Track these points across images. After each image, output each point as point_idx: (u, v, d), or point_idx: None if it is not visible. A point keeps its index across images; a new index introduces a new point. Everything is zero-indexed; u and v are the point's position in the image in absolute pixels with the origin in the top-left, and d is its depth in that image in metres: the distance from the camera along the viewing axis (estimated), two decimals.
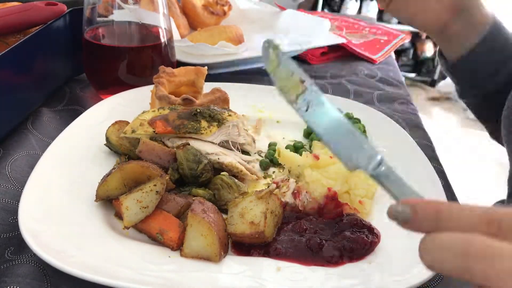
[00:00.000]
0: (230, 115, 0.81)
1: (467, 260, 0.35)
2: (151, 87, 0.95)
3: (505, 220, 0.36)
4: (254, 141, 0.87)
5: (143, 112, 0.81)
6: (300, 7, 3.91)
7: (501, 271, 0.33)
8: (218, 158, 0.76)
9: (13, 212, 0.67)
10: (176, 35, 1.22)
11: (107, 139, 0.78)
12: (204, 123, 0.78)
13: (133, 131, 0.77)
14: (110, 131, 0.79)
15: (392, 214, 0.42)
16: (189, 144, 0.75)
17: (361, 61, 1.38)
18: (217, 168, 0.76)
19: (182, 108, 0.81)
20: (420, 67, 4.68)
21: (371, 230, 0.65)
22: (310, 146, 0.86)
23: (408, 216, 0.41)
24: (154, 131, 0.75)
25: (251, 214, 0.63)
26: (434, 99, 4.27)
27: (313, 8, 4.22)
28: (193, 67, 0.93)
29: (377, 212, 0.71)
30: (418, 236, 0.66)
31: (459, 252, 0.35)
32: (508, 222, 0.36)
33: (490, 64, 0.87)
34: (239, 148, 0.84)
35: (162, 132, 0.74)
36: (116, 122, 0.80)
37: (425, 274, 0.57)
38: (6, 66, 0.81)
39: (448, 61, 0.92)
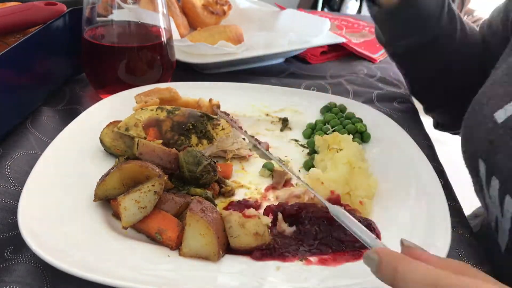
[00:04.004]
0: (223, 129, 0.81)
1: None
2: (150, 86, 0.95)
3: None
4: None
5: (141, 109, 0.81)
6: (300, 6, 3.91)
7: None
8: None
9: (13, 212, 0.67)
10: (175, 35, 1.22)
11: (101, 141, 0.78)
12: (194, 140, 0.78)
13: (126, 129, 0.78)
14: (104, 132, 0.79)
15: (366, 259, 0.49)
16: (190, 146, 0.75)
17: (361, 61, 1.38)
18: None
19: (180, 112, 0.81)
20: None
21: (368, 227, 0.65)
22: (314, 145, 0.86)
23: (376, 260, 0.47)
24: (145, 137, 0.76)
25: (252, 223, 0.62)
26: None
27: (313, 7, 4.21)
28: (162, 88, 0.92)
29: (377, 212, 0.71)
30: (417, 235, 0.66)
31: (430, 282, 0.40)
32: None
33: (413, 21, 0.91)
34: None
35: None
36: (110, 123, 0.80)
37: None
38: (5, 66, 0.81)
39: (378, 8, 0.95)
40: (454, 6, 0.95)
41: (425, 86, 1.05)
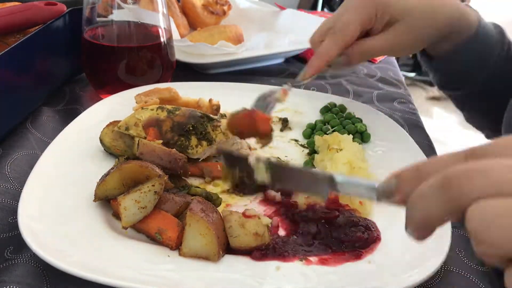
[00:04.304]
0: (223, 133, 0.81)
1: (448, 187, 0.34)
2: (150, 86, 0.95)
3: (478, 149, 0.36)
4: (249, 147, 0.86)
5: (142, 109, 0.81)
6: (300, 6, 3.91)
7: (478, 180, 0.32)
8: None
9: (13, 212, 0.67)
10: (175, 35, 1.22)
11: (100, 141, 0.78)
12: (194, 141, 0.78)
13: (126, 129, 0.78)
14: (104, 132, 0.79)
15: (381, 191, 0.42)
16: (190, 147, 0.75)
17: None
18: None
19: (180, 112, 0.81)
20: (420, 67, 4.67)
21: (367, 227, 0.65)
22: (314, 145, 0.86)
23: (394, 184, 0.40)
24: (145, 137, 0.76)
25: (251, 223, 0.62)
26: (434, 98, 4.27)
27: (313, 7, 4.22)
28: (162, 88, 0.92)
29: (377, 213, 0.71)
30: None
31: (438, 185, 0.34)
32: (482, 148, 0.36)
33: (472, 62, 0.87)
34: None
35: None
36: (110, 123, 0.80)
37: (425, 273, 0.57)
38: (5, 66, 0.81)
39: (428, 57, 0.93)
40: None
41: (484, 120, 1.01)
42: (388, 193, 0.41)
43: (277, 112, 0.98)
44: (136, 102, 0.87)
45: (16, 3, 0.99)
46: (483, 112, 0.98)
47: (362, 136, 0.89)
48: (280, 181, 0.61)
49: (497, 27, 0.90)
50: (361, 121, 0.92)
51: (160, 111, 0.81)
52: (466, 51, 0.86)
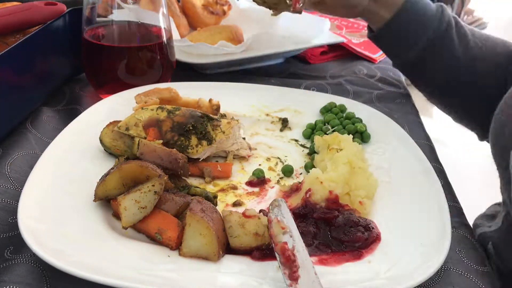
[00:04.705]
0: (223, 132, 0.81)
1: None
2: (150, 86, 0.95)
3: None
4: (249, 147, 0.86)
5: (142, 109, 0.81)
6: None
7: None
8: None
9: (13, 212, 0.67)
10: (175, 35, 1.22)
11: (101, 141, 0.78)
12: (194, 141, 0.78)
13: (126, 129, 0.78)
14: (104, 132, 0.79)
15: None
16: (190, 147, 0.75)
17: (361, 61, 1.38)
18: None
19: (180, 112, 0.81)
20: None
21: (367, 227, 0.65)
22: (313, 147, 0.86)
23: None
24: (145, 137, 0.77)
25: (251, 223, 0.62)
26: None
27: None
28: (162, 88, 0.92)
29: (377, 212, 0.71)
30: (417, 236, 0.66)
31: None
32: None
33: (404, 37, 0.99)
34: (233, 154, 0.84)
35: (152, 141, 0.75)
36: (110, 123, 0.80)
37: (425, 273, 0.57)
38: (5, 66, 0.81)
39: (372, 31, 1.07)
40: (462, 23, 0.99)
41: (441, 100, 1.10)
42: None
43: (277, 112, 0.98)
44: (136, 102, 0.87)
45: (16, 3, 0.99)
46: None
47: (362, 136, 0.89)
48: None
49: (439, 7, 0.99)
50: (361, 121, 0.92)
51: (160, 111, 0.81)
52: (398, 23, 0.97)
